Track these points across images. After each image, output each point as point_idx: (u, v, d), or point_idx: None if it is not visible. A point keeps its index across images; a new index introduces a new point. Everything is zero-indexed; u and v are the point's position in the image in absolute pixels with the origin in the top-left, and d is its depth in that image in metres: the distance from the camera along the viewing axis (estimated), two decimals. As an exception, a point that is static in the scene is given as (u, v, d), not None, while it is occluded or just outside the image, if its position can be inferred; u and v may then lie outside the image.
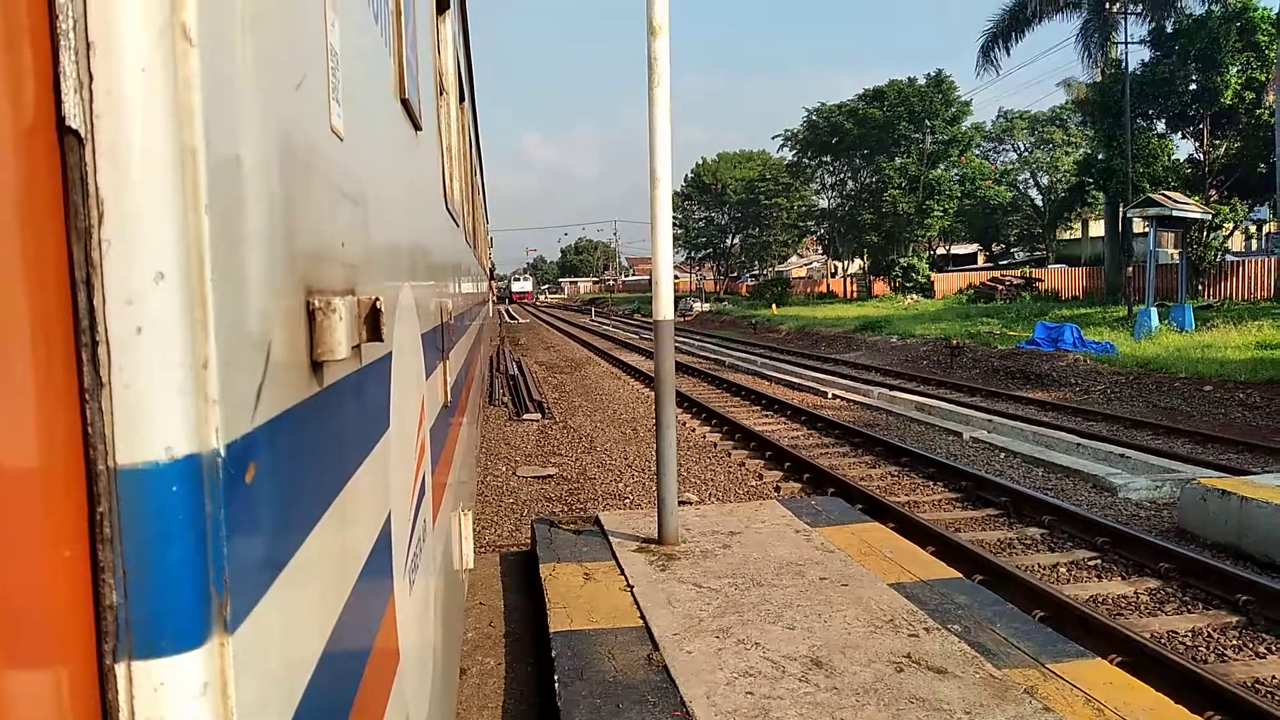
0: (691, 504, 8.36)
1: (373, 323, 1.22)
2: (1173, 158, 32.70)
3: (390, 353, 1.61)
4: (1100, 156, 33.64)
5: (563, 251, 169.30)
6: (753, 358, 24.64)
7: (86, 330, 0.60)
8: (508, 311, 69.77)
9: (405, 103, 1.99)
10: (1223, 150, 31.41)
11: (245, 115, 0.74)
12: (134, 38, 0.60)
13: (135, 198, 0.61)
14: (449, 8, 4.29)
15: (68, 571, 0.60)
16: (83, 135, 0.59)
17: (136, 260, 0.61)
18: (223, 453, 0.65)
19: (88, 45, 0.59)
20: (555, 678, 3.95)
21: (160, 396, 0.62)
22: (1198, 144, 32.34)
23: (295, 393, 0.88)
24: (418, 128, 2.30)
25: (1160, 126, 33.26)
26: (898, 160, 50.87)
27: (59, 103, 0.59)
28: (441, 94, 3.80)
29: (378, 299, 1.23)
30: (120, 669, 0.62)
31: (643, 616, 4.58)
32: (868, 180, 53.64)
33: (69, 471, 0.60)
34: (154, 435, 0.61)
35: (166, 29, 0.61)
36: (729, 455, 11.44)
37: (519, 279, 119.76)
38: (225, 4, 0.70)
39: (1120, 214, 32.03)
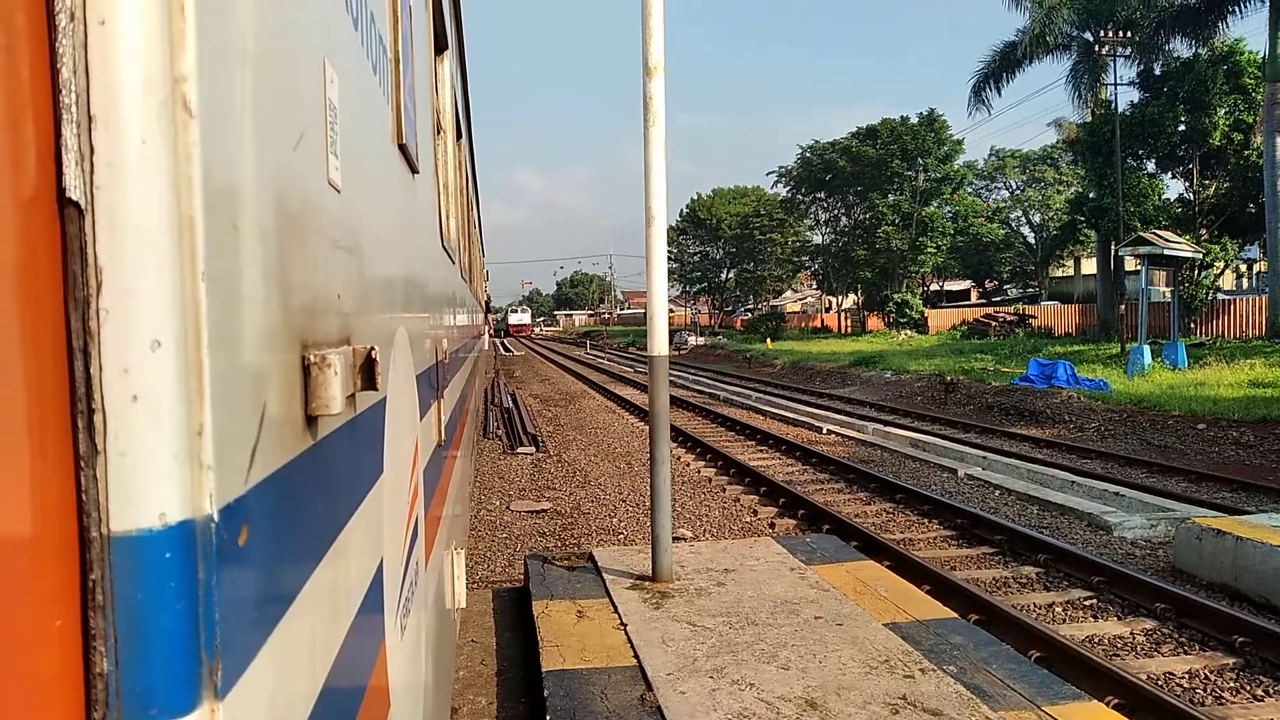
0: (686, 540, 8.32)
1: (368, 372, 1.23)
2: (1163, 197, 33.05)
3: (385, 398, 1.61)
4: (1091, 195, 33.98)
5: (558, 284, 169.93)
6: (747, 392, 24.65)
7: (83, 398, 0.60)
8: (503, 344, 69.20)
9: (403, 148, 2.01)
10: (1212, 190, 31.76)
11: (243, 180, 0.75)
12: (136, 111, 0.61)
13: (134, 267, 0.61)
14: (447, 48, 4.34)
15: (59, 639, 0.60)
16: (83, 206, 0.60)
17: (134, 329, 0.61)
18: (216, 518, 0.66)
19: (89, 119, 0.60)
20: (547, 718, 3.91)
21: (155, 463, 0.62)
22: (1188, 184, 32.70)
23: (289, 449, 0.89)
24: (414, 170, 2.32)
25: (1150, 166, 33.64)
26: (891, 197, 51.34)
27: (60, 174, 0.60)
28: (439, 133, 3.84)
29: (373, 348, 1.23)
30: None
31: (636, 656, 4.54)
32: (861, 216, 54.09)
33: (62, 539, 0.60)
34: (148, 502, 0.62)
35: (168, 102, 0.62)
36: (724, 491, 11.40)
37: (516, 311, 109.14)
38: (226, 73, 0.72)
39: (1112, 252, 32.29)
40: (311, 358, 0.97)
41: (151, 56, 0.62)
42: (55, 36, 0.59)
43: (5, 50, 0.59)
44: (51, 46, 0.60)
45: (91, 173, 0.61)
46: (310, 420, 0.98)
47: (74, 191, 0.60)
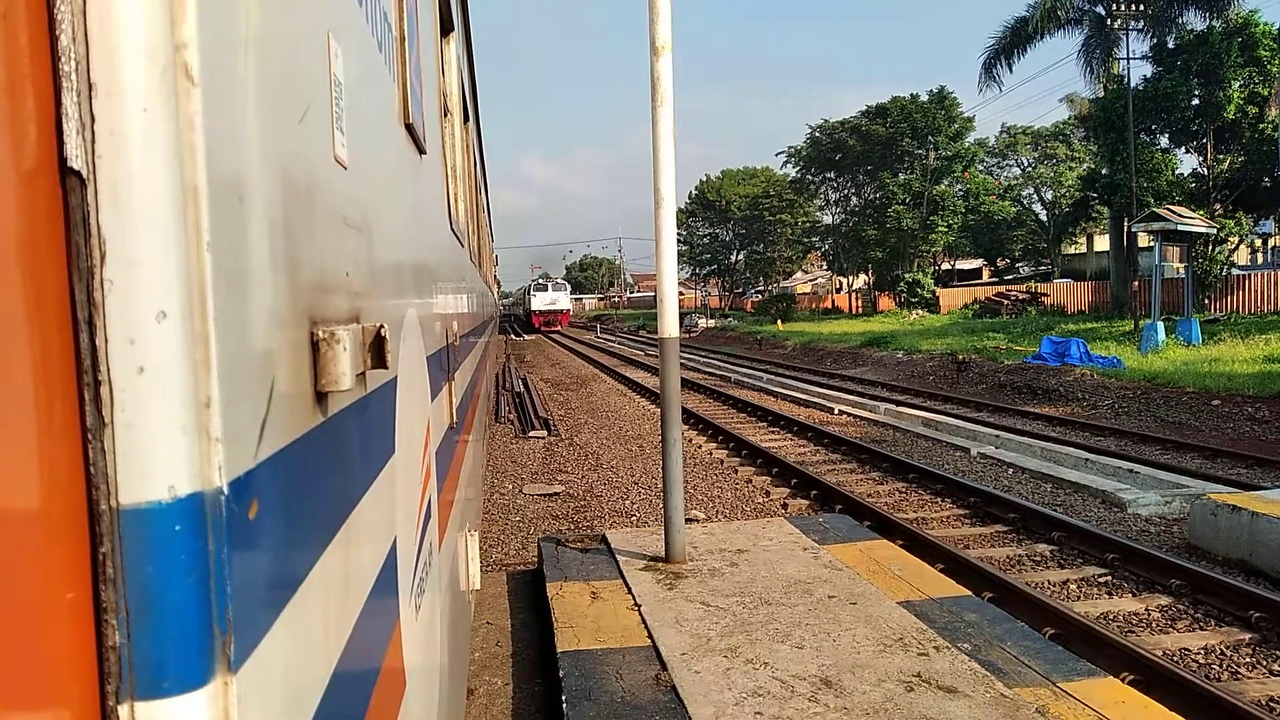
0: (699, 521, 8.33)
1: (377, 350, 1.22)
2: (1176, 172, 32.70)
3: (395, 377, 1.61)
4: (1104, 171, 33.68)
5: (568, 269, 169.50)
6: (758, 374, 24.62)
7: (89, 370, 0.60)
8: (513, 329, 65.90)
9: (410, 127, 2.00)
10: (1226, 165, 31.42)
11: (248, 151, 0.74)
12: (136, 78, 0.60)
13: (137, 237, 0.60)
14: (453, 30, 4.32)
15: (70, 613, 0.60)
16: (85, 176, 0.59)
17: (139, 300, 0.61)
18: (226, 490, 0.65)
19: (90, 86, 0.59)
20: (563, 698, 3.93)
21: (162, 436, 0.61)
22: (1201, 158, 32.35)
23: (299, 425, 0.88)
24: (422, 151, 2.31)
25: (1163, 141, 33.29)
26: (901, 176, 51.00)
27: (61, 144, 0.59)
28: (446, 116, 3.82)
29: (382, 326, 1.23)
30: (123, 710, 0.61)
31: (650, 636, 4.56)
32: (872, 196, 53.77)
33: (71, 512, 0.60)
34: (156, 474, 0.61)
35: (169, 69, 0.61)
36: (736, 472, 11.41)
37: (545, 287, 65.14)
38: (228, 42, 0.71)
39: (1125, 228, 32.05)
40: (320, 333, 0.96)
41: (152, 23, 0.61)
42: (54, 2, 0.59)
43: (3, 17, 0.58)
44: (50, 13, 0.59)
45: (93, 141, 0.60)
46: (320, 396, 0.97)
47: (75, 161, 0.59)
